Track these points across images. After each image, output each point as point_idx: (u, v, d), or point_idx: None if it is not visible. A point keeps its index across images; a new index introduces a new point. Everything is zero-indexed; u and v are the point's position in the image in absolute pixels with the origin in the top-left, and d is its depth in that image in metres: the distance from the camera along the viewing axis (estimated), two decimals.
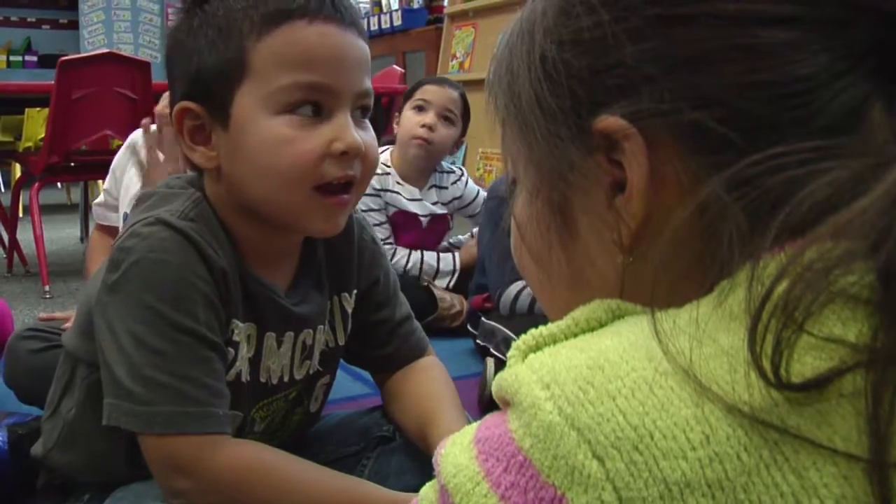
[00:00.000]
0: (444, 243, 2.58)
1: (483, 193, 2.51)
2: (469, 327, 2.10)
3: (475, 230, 2.55)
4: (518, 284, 1.91)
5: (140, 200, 0.97)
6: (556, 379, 0.35)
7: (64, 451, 1.01)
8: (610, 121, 0.41)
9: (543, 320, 0.42)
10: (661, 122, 0.40)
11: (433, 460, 0.40)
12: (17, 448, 1.22)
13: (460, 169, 2.58)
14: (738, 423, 0.32)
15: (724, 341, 0.34)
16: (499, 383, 0.38)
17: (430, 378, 1.11)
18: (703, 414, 0.32)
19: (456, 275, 2.39)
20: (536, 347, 0.38)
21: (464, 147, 4.76)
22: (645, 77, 0.40)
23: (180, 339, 0.86)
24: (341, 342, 1.09)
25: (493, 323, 1.92)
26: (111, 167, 1.98)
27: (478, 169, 4.64)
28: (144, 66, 2.95)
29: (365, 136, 0.91)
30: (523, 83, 0.45)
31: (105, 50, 3.15)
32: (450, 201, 2.48)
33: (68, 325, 1.52)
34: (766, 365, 0.32)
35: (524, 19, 0.46)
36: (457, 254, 2.44)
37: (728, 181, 0.37)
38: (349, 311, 1.09)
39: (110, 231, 1.80)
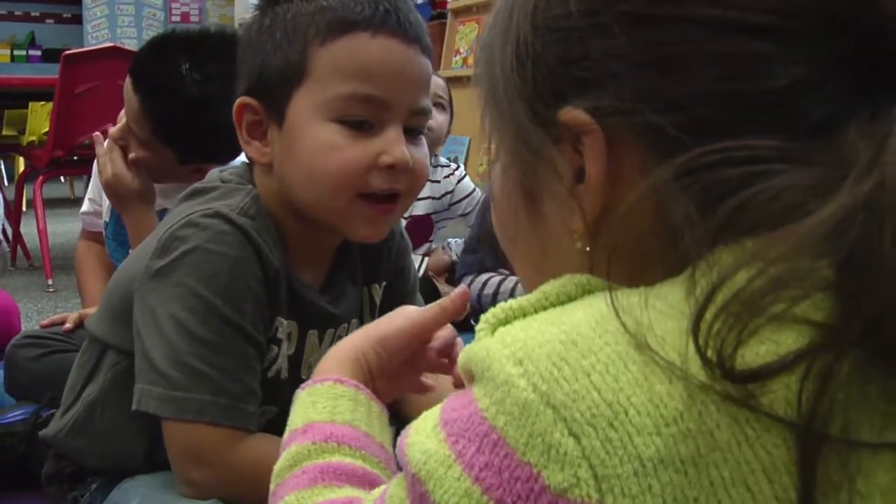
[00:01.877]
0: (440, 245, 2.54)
1: (479, 192, 2.47)
2: (472, 322, 2.10)
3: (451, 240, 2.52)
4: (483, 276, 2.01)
5: (195, 193, 0.97)
6: (528, 355, 0.35)
7: (77, 434, 1.01)
8: (574, 114, 0.41)
9: None
10: (621, 121, 0.40)
11: (397, 451, 0.40)
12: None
13: (458, 164, 2.53)
14: (710, 399, 0.32)
15: (685, 326, 0.34)
16: (467, 356, 0.38)
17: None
18: (678, 390, 0.32)
19: (420, 274, 2.35)
20: (506, 321, 0.38)
21: (467, 141, 4.76)
22: (610, 74, 0.40)
23: (225, 332, 0.88)
24: None
25: None
26: (93, 173, 1.81)
27: (480, 164, 4.63)
28: None
29: (415, 152, 0.93)
30: (498, 65, 0.45)
31: (109, 44, 3.15)
32: (441, 196, 2.43)
33: (68, 325, 1.51)
34: (712, 356, 0.32)
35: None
36: (426, 259, 2.40)
37: (678, 169, 0.37)
38: (377, 302, 1.11)
39: (99, 238, 1.76)
